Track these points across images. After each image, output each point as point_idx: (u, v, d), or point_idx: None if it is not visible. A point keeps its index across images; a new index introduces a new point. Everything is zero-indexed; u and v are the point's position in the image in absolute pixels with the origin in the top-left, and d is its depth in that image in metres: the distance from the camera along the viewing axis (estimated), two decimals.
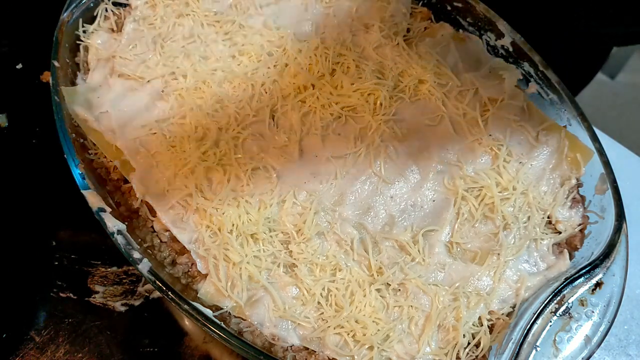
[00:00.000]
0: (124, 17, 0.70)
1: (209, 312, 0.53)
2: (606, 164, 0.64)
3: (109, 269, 0.66)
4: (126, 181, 0.60)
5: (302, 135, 0.64)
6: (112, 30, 0.69)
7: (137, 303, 0.64)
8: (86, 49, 0.67)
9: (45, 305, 0.64)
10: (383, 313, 0.55)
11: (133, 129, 0.62)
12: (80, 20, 0.67)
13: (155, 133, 0.62)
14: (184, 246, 0.57)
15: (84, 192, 0.57)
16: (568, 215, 0.63)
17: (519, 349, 0.53)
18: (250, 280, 0.56)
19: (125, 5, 0.71)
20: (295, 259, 0.57)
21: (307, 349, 0.54)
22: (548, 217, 0.63)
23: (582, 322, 0.55)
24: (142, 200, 0.59)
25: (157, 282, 0.53)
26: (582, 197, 0.65)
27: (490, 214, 0.61)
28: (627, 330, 0.68)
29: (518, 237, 0.61)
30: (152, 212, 0.59)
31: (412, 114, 0.67)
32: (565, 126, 0.68)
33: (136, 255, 0.54)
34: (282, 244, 0.58)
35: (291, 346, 0.54)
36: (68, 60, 0.65)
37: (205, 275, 0.56)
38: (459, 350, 0.54)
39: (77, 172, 0.58)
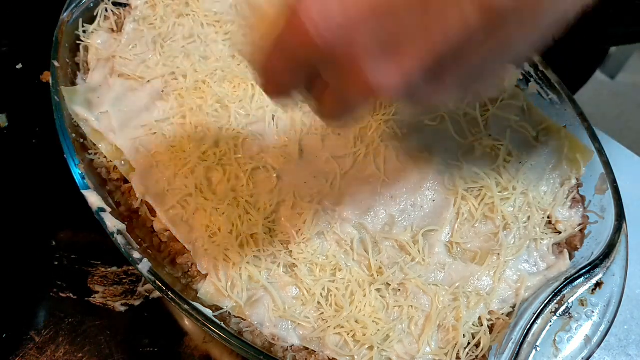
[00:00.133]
0: (124, 17, 0.70)
1: (209, 312, 0.53)
2: (606, 164, 0.64)
3: (109, 269, 0.66)
4: (126, 181, 0.61)
5: (302, 135, 0.64)
6: (112, 30, 0.69)
7: (137, 303, 0.64)
8: (86, 49, 0.67)
9: (45, 305, 0.63)
10: (383, 313, 0.55)
11: (133, 129, 0.62)
12: (80, 20, 0.67)
13: (155, 133, 0.62)
14: (184, 246, 0.57)
15: (84, 192, 0.57)
16: (568, 215, 0.63)
17: (519, 349, 0.53)
18: (250, 280, 0.56)
19: (125, 5, 0.71)
20: (295, 259, 0.57)
21: (307, 349, 0.54)
22: (548, 217, 0.63)
23: (582, 322, 0.55)
24: (142, 200, 0.59)
25: (157, 282, 0.53)
26: (582, 197, 0.65)
27: (490, 214, 0.61)
28: (627, 330, 0.68)
29: (518, 237, 0.61)
30: (152, 212, 0.59)
31: (412, 114, 0.67)
32: (565, 126, 0.68)
33: (136, 255, 0.54)
34: (282, 244, 0.58)
35: (291, 346, 0.54)
36: (68, 60, 0.65)
37: (205, 275, 0.56)
38: (459, 350, 0.54)
39: (77, 172, 0.58)
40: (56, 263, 0.66)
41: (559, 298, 0.55)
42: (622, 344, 0.68)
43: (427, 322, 0.55)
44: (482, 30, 0.28)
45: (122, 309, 0.64)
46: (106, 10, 0.69)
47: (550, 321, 0.55)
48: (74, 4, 0.66)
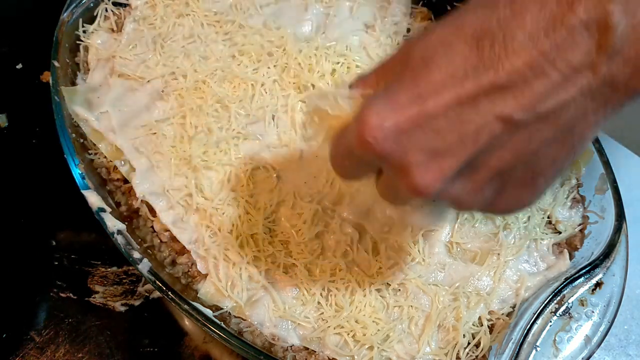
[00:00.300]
0: (124, 17, 0.70)
1: (209, 312, 0.53)
2: (606, 164, 0.64)
3: (109, 269, 0.66)
4: (126, 181, 0.61)
5: (302, 135, 0.64)
6: (112, 30, 0.69)
7: (137, 303, 0.64)
8: (86, 49, 0.67)
9: (45, 305, 0.64)
10: (383, 313, 0.55)
11: (133, 129, 0.62)
12: (80, 20, 0.67)
13: (155, 133, 0.62)
14: (184, 246, 0.57)
15: (84, 192, 0.57)
16: (568, 215, 0.63)
17: (519, 349, 0.53)
18: (250, 281, 0.56)
19: (125, 5, 0.71)
20: (295, 259, 0.57)
21: (307, 349, 0.54)
22: (548, 217, 0.63)
23: (582, 322, 0.55)
24: (142, 200, 0.59)
25: (157, 282, 0.53)
26: (582, 197, 0.65)
27: None
28: (627, 330, 0.68)
29: (518, 237, 0.61)
30: (152, 212, 0.59)
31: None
32: None
33: (136, 255, 0.54)
34: (282, 244, 0.58)
35: (291, 346, 0.54)
36: (68, 60, 0.65)
37: (205, 275, 0.56)
38: (459, 350, 0.54)
39: (77, 172, 0.58)
40: (56, 263, 0.66)
41: (559, 298, 0.55)
42: (622, 344, 0.68)
43: (427, 322, 0.55)
44: (506, 135, 0.36)
45: (122, 309, 0.64)
46: (106, 10, 0.69)
47: (550, 321, 0.55)
48: (74, 4, 0.66)
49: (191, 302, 0.52)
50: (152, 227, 0.59)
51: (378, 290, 0.56)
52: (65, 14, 0.66)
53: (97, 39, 0.67)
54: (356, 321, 0.54)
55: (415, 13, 0.77)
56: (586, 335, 0.55)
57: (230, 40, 0.69)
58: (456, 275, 0.58)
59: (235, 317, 0.55)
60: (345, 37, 0.71)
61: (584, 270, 0.57)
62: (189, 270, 0.57)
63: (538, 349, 0.53)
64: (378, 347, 0.53)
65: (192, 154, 0.60)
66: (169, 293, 0.53)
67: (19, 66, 0.79)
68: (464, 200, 0.40)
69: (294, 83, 0.66)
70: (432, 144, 0.36)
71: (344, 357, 0.53)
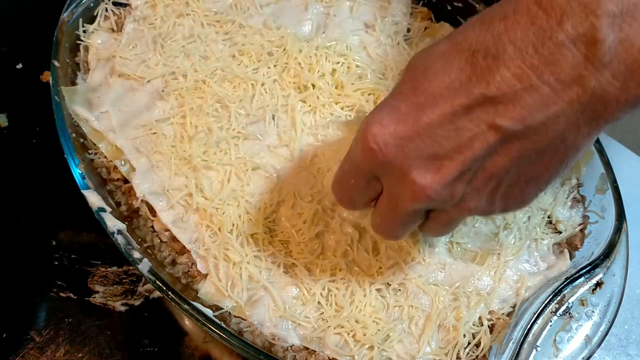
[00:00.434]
0: (124, 17, 0.70)
1: (209, 312, 0.53)
2: (606, 164, 0.64)
3: (109, 269, 0.66)
4: (126, 181, 0.61)
5: (302, 135, 0.64)
6: (112, 30, 0.69)
7: (137, 303, 0.64)
8: (86, 48, 0.67)
9: (45, 305, 0.63)
10: (383, 313, 0.55)
11: (133, 129, 0.62)
12: (81, 20, 0.67)
13: (155, 133, 0.62)
14: (184, 246, 0.57)
15: (84, 192, 0.57)
16: (568, 215, 0.63)
17: (519, 349, 0.53)
18: (250, 280, 0.56)
19: (125, 5, 0.71)
20: (295, 258, 0.57)
21: (307, 348, 0.54)
22: (548, 217, 0.63)
23: (582, 321, 0.55)
24: (142, 200, 0.59)
25: (157, 282, 0.53)
26: (583, 197, 0.65)
27: None
28: (627, 330, 0.68)
29: (518, 237, 0.61)
30: (152, 212, 0.59)
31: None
32: None
33: (136, 255, 0.54)
34: (282, 244, 0.58)
35: (291, 346, 0.54)
36: (68, 60, 0.65)
37: (206, 275, 0.56)
38: (459, 350, 0.54)
39: (77, 172, 0.58)
40: (56, 263, 0.66)
41: (559, 298, 0.55)
42: (622, 343, 0.68)
43: (428, 321, 0.55)
44: (499, 143, 0.38)
45: (122, 308, 0.64)
46: (106, 10, 0.69)
47: (551, 321, 0.55)
48: (74, 4, 0.66)
49: (191, 302, 0.52)
50: (152, 226, 0.59)
51: (378, 290, 0.56)
52: (65, 14, 0.66)
53: (97, 39, 0.67)
54: (356, 321, 0.54)
55: (415, 13, 0.77)
56: (586, 335, 0.55)
57: (230, 40, 0.69)
58: (456, 275, 0.58)
59: (235, 317, 0.55)
60: (346, 36, 0.71)
61: (584, 270, 0.57)
62: (189, 270, 0.57)
63: (538, 348, 0.53)
64: (378, 347, 0.53)
65: (192, 154, 0.60)
66: (169, 293, 0.53)
67: (19, 66, 0.79)
68: (463, 205, 0.41)
69: (294, 83, 0.66)
70: (430, 149, 0.38)
71: (344, 357, 0.53)
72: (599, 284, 0.57)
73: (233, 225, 0.57)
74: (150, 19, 0.69)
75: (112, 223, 0.56)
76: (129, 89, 0.65)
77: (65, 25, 0.65)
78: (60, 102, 0.61)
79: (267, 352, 0.52)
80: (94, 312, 0.63)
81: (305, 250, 0.57)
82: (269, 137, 0.64)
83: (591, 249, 0.61)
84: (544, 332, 0.54)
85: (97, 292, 0.64)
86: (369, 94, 0.67)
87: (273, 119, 0.65)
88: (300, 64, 0.67)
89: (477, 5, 0.74)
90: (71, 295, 0.64)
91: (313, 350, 0.54)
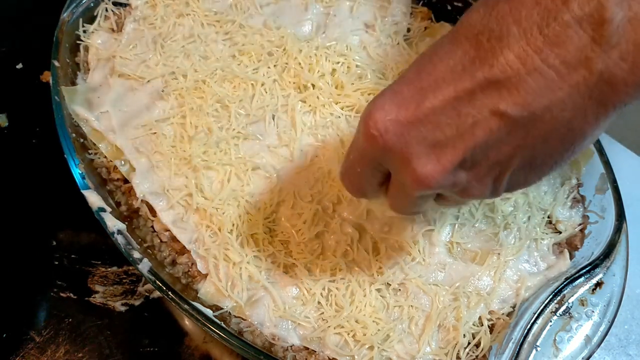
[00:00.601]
0: (124, 17, 0.70)
1: (209, 312, 0.53)
2: (606, 164, 0.64)
3: (109, 269, 0.66)
4: (126, 181, 0.61)
5: (302, 135, 0.64)
6: (112, 30, 0.69)
7: (137, 303, 0.64)
8: (86, 48, 0.67)
9: (45, 305, 0.64)
10: (383, 313, 0.55)
11: (133, 129, 0.62)
12: (81, 20, 0.67)
13: (155, 133, 0.62)
14: (184, 246, 0.57)
15: (84, 192, 0.57)
16: (568, 215, 0.63)
17: (519, 349, 0.53)
18: (250, 280, 0.56)
19: (125, 5, 0.71)
20: (295, 259, 0.57)
21: (307, 348, 0.54)
22: (548, 217, 0.63)
23: (582, 321, 0.55)
24: (142, 200, 0.59)
25: (157, 282, 0.53)
26: (583, 197, 0.65)
27: (491, 213, 0.61)
28: (627, 330, 0.68)
29: (518, 237, 0.61)
30: (152, 212, 0.59)
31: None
32: None
33: (136, 255, 0.54)
34: (282, 244, 0.58)
35: (291, 346, 0.54)
36: (68, 60, 0.65)
37: (205, 275, 0.56)
38: (459, 350, 0.54)
39: (77, 172, 0.58)
40: (56, 263, 0.66)
41: (559, 298, 0.55)
42: (622, 343, 0.68)
43: (428, 322, 0.55)
44: (502, 130, 0.36)
45: (122, 308, 0.64)
46: (106, 10, 0.69)
47: (551, 321, 0.55)
48: (74, 4, 0.66)
49: (191, 302, 0.52)
50: (152, 227, 0.59)
51: (378, 290, 0.56)
52: (65, 14, 0.66)
53: (97, 39, 0.68)
54: (356, 321, 0.54)
55: (415, 13, 0.77)
56: (586, 335, 0.55)
57: (230, 40, 0.69)
58: (456, 275, 0.58)
59: (235, 317, 0.55)
60: (345, 36, 0.71)
61: (584, 270, 0.57)
62: (189, 270, 0.57)
63: (538, 348, 0.53)
64: (378, 347, 0.53)
65: (192, 154, 0.60)
66: (169, 293, 0.53)
67: (19, 66, 0.79)
68: (467, 192, 0.41)
69: (294, 83, 0.66)
70: (432, 136, 0.37)
71: (344, 357, 0.53)
72: (599, 284, 0.57)
73: (233, 225, 0.57)
74: (150, 19, 0.69)
75: (112, 223, 0.56)
76: (129, 89, 0.65)
77: (65, 25, 0.65)
78: (60, 102, 0.61)
79: (267, 352, 0.52)
80: (94, 312, 0.63)
81: (305, 250, 0.57)
82: (269, 137, 0.64)
83: (591, 249, 0.61)
84: (544, 332, 0.54)
85: (97, 292, 0.64)
86: (369, 94, 0.67)
87: (273, 119, 0.65)
88: (300, 64, 0.67)
89: None
90: (71, 295, 0.64)
91: (313, 350, 0.54)
